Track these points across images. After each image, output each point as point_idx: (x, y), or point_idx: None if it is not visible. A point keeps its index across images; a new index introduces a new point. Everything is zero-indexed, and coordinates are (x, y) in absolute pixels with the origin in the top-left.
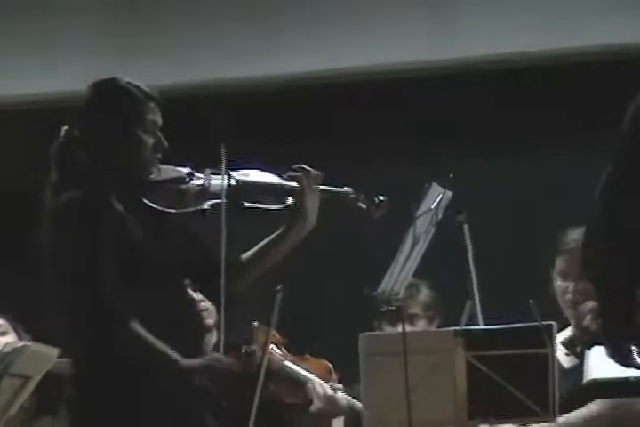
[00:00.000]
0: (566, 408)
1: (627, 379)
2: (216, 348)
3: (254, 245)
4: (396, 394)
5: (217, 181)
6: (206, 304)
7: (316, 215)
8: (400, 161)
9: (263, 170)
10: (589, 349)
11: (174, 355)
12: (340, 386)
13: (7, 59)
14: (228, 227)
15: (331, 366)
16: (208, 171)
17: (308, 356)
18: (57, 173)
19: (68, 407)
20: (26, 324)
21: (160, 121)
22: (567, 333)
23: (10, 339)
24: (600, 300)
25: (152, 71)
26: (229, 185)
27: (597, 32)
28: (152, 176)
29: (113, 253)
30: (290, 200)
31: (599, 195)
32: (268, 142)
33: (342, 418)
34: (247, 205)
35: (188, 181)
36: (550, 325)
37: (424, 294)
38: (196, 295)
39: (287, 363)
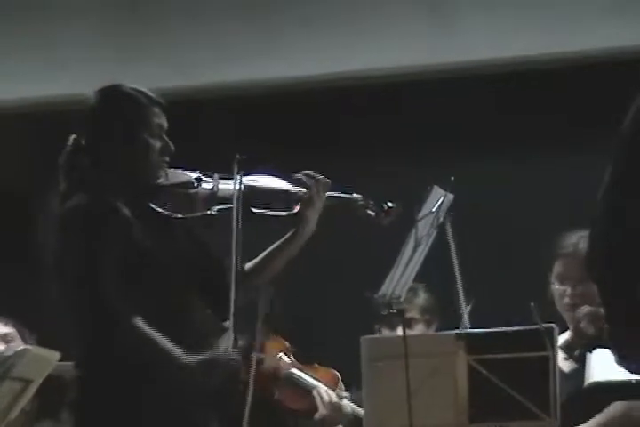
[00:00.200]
0: (567, 411)
1: (629, 381)
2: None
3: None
4: (398, 397)
5: (225, 186)
6: None
7: (316, 222)
8: (401, 164)
9: (272, 175)
10: (591, 351)
11: (177, 351)
12: (347, 394)
13: (6, 60)
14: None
15: (339, 375)
16: (216, 175)
17: (316, 365)
18: (65, 182)
19: (71, 411)
20: (26, 324)
21: (166, 125)
22: (565, 336)
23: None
24: (605, 303)
25: (151, 72)
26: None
27: (597, 35)
28: (160, 180)
29: (117, 258)
30: (299, 206)
31: (601, 196)
32: (267, 145)
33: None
34: (255, 210)
35: (197, 186)
36: (551, 328)
37: (422, 297)
38: None
39: (294, 370)
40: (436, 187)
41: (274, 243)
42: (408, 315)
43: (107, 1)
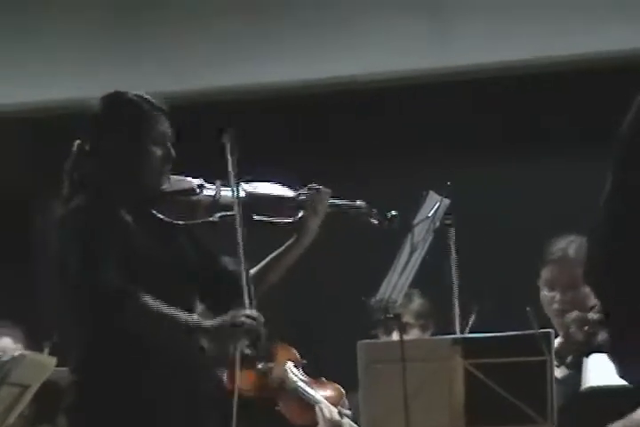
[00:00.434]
0: (563, 416)
1: (625, 386)
2: None
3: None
4: (394, 402)
5: (227, 193)
6: None
7: (316, 230)
8: (400, 167)
9: (273, 182)
10: (587, 356)
11: (194, 316)
12: (349, 412)
13: (6, 65)
14: (234, 238)
15: (343, 392)
16: (219, 182)
17: (323, 379)
18: (69, 187)
19: (67, 415)
20: (27, 325)
21: (169, 132)
22: (556, 343)
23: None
24: (605, 312)
25: (151, 77)
26: (238, 197)
27: (596, 38)
28: (163, 187)
29: (118, 259)
30: (301, 214)
31: (603, 203)
32: (265, 149)
33: None
34: (256, 218)
35: (199, 193)
36: (548, 332)
37: (416, 302)
38: None
39: (300, 384)
40: (431, 192)
41: (273, 251)
42: (402, 320)
43: (107, 6)
